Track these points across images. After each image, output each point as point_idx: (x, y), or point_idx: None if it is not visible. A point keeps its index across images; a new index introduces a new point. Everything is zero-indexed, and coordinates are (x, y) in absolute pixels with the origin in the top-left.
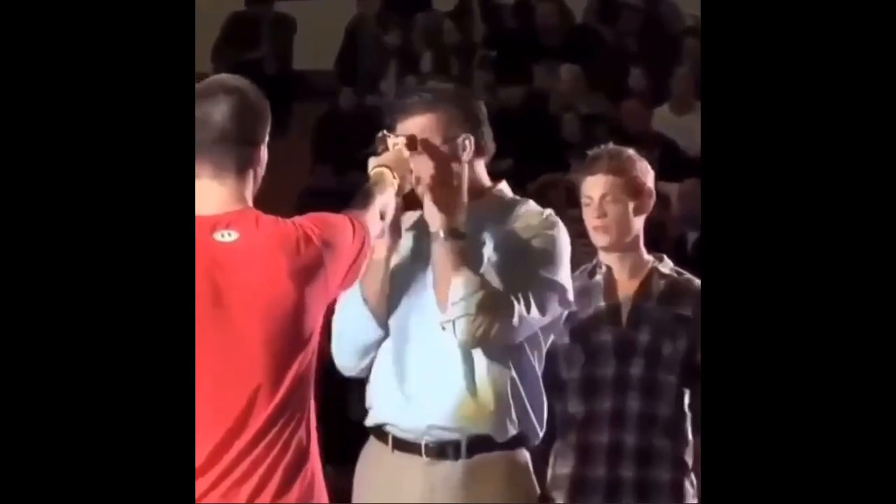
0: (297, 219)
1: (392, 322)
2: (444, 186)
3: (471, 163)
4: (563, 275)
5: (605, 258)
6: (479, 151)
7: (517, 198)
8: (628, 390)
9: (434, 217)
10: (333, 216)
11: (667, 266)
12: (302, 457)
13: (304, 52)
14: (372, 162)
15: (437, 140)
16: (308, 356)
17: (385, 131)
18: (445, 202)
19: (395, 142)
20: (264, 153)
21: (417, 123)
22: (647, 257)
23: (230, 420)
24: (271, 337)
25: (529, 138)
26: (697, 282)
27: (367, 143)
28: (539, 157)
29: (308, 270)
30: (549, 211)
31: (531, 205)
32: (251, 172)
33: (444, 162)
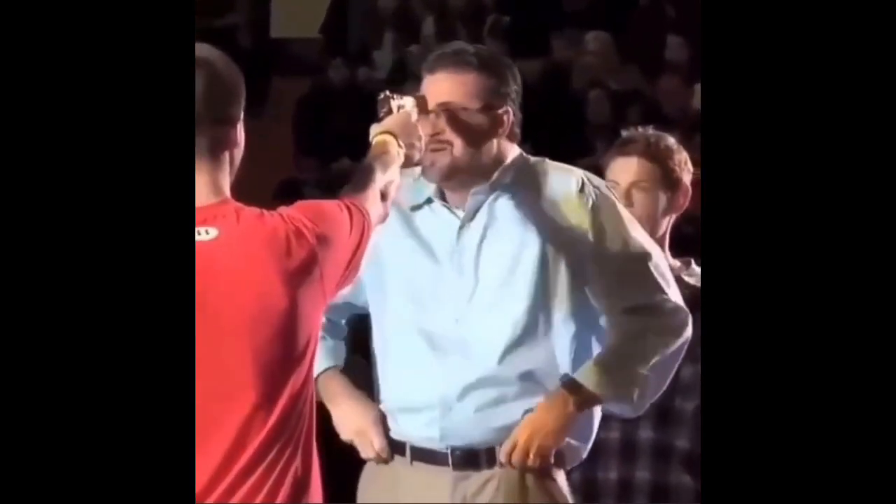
0: (285, 210)
1: (406, 322)
2: (472, 161)
3: (500, 142)
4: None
5: None
6: (511, 133)
7: (535, 158)
8: (639, 418)
9: (459, 197)
10: (327, 204)
11: (693, 275)
12: (300, 489)
13: (285, 17)
14: (374, 129)
15: (474, 104)
16: (304, 371)
17: (388, 91)
18: (470, 181)
19: (401, 104)
20: (240, 133)
21: (455, 81)
22: (673, 262)
23: (220, 450)
24: (261, 350)
25: (549, 119)
26: None
27: (359, 124)
28: (561, 142)
29: (300, 271)
30: (580, 177)
31: (556, 168)
32: (227, 156)
33: (479, 132)
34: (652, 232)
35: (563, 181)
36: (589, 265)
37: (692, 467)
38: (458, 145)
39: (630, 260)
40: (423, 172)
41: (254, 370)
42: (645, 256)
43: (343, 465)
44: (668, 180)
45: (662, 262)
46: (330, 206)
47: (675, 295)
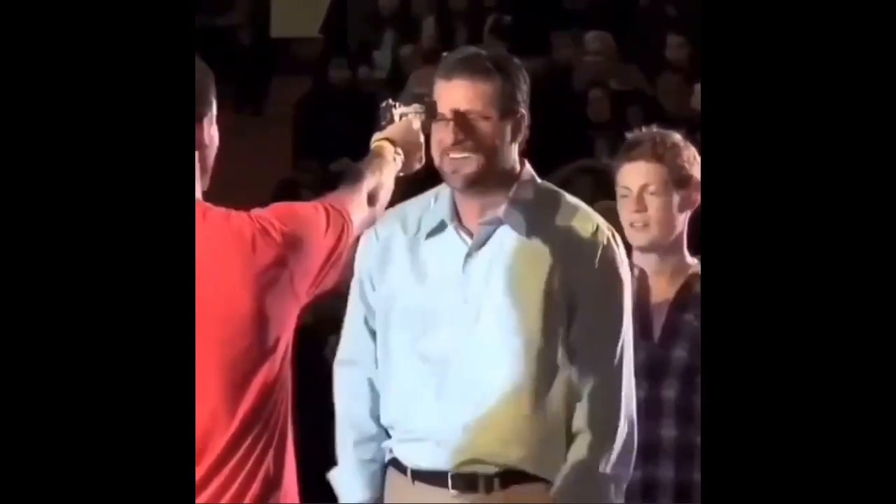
0: (256, 211)
1: (408, 349)
2: (494, 168)
3: (516, 147)
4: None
5: (639, 259)
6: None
7: (548, 185)
8: (661, 417)
9: (472, 210)
10: (301, 205)
11: None
12: (270, 489)
13: (285, 17)
14: (375, 137)
15: (494, 112)
16: (275, 367)
17: (390, 100)
18: (494, 192)
19: (404, 111)
20: (212, 132)
21: (474, 89)
22: (691, 260)
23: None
24: (226, 348)
25: (549, 119)
26: None
27: (358, 124)
28: (561, 141)
29: (266, 270)
30: (596, 222)
31: (571, 206)
32: (194, 156)
33: (500, 140)
34: (669, 232)
35: (578, 224)
36: (577, 317)
37: None
38: (480, 153)
39: (604, 333)
40: (446, 179)
41: (219, 368)
42: (617, 336)
43: (319, 465)
44: (679, 179)
45: (629, 341)
46: (304, 206)
47: (627, 372)
